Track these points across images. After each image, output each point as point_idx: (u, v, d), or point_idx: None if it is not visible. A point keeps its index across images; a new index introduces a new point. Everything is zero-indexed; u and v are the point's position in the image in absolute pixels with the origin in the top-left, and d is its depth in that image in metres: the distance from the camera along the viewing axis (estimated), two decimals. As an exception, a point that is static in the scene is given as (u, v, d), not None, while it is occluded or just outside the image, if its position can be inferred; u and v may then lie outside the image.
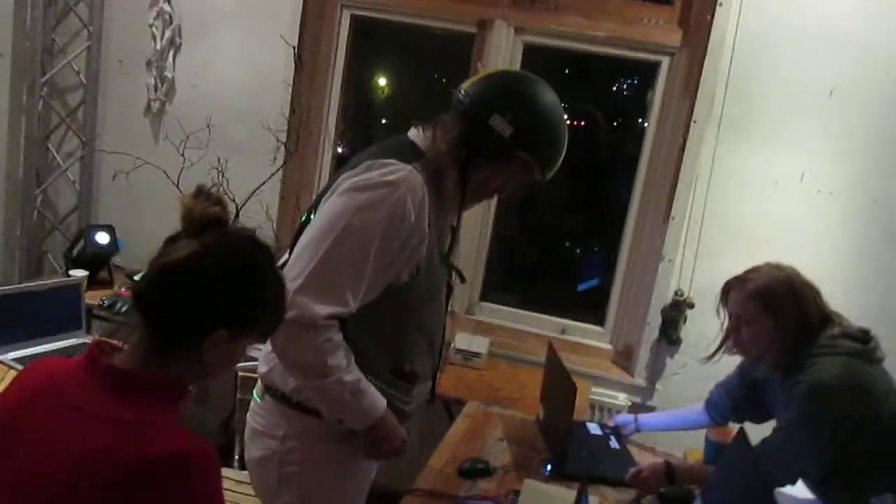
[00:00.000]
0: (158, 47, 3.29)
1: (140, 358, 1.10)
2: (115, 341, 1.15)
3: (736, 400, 2.11)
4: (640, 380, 3.03)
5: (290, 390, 1.57)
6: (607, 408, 3.02)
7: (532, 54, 3.13)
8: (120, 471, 1.00)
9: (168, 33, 3.28)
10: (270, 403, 1.62)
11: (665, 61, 2.97)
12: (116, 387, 1.08)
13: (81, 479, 1.01)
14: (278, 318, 1.21)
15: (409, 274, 1.51)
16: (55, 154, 3.50)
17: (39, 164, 3.46)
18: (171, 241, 1.12)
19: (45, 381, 1.13)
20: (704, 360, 2.01)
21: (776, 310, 1.82)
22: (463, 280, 1.78)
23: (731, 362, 2.09)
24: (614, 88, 3.94)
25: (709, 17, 2.78)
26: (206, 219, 1.12)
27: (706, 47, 2.80)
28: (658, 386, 3.03)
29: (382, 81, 4.27)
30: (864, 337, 1.82)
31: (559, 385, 2.16)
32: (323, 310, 1.40)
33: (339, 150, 3.47)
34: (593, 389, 3.02)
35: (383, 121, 4.66)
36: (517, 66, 3.11)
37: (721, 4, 2.75)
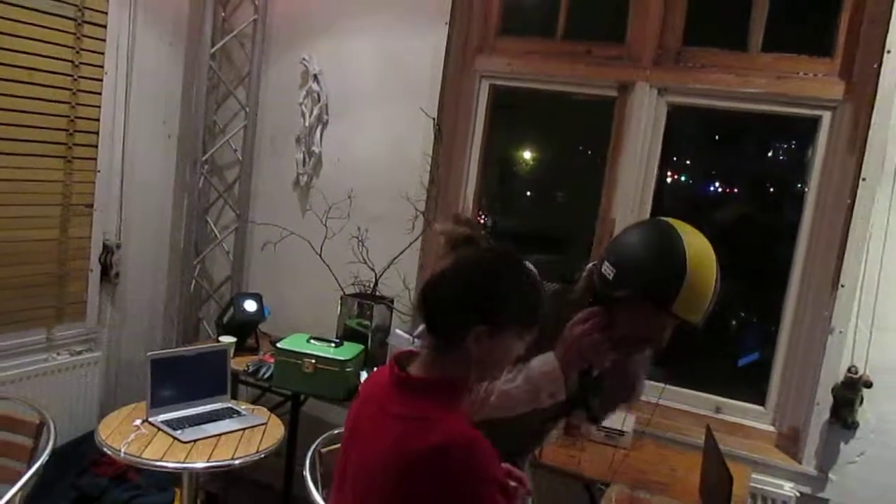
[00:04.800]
0: (307, 124, 3.46)
1: (424, 364, 1.33)
2: (409, 348, 1.41)
3: None
4: (809, 467, 2.70)
5: None
6: (771, 498, 2.70)
7: (678, 120, 3.00)
8: (403, 459, 1.21)
9: (316, 111, 3.44)
10: None
11: (826, 116, 2.74)
12: (407, 389, 1.31)
13: (380, 469, 1.25)
14: (531, 315, 1.33)
15: None
16: (213, 226, 3.71)
17: (199, 236, 3.69)
18: (439, 259, 1.40)
19: (371, 388, 1.42)
20: None
21: None
22: (595, 421, 1.89)
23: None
24: (769, 154, 3.71)
25: (876, 66, 2.55)
26: (459, 238, 1.37)
27: (874, 98, 2.56)
28: (832, 476, 2.68)
29: (527, 155, 4.26)
30: None
31: (715, 475, 1.95)
32: None
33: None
34: (754, 476, 2.71)
35: (528, 193, 4.63)
36: (660, 131, 2.99)
37: (889, 52, 2.52)
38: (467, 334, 1.27)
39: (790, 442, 2.81)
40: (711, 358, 3.89)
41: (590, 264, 1.68)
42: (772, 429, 2.89)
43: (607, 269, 1.56)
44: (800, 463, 2.72)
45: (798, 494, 2.70)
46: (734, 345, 3.94)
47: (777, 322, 2.93)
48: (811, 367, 2.74)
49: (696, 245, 1.52)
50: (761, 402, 2.94)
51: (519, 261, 1.36)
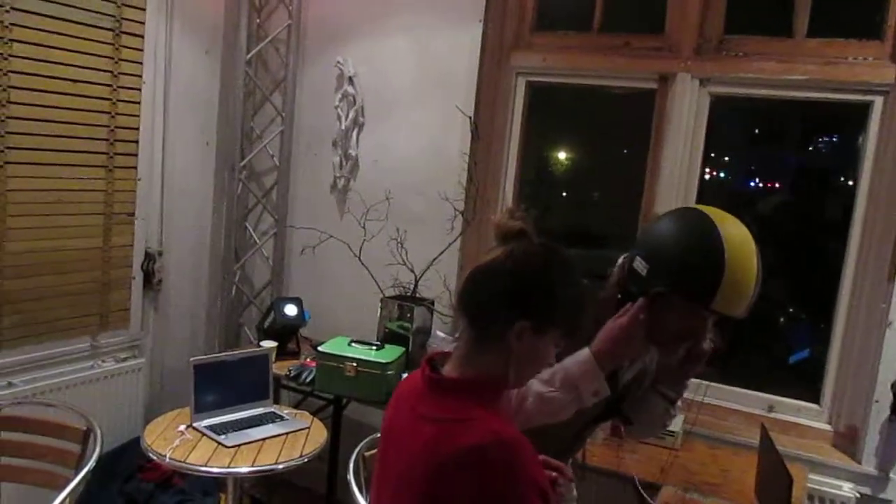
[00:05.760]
0: (343, 127, 3.45)
1: (459, 362, 1.28)
2: (447, 349, 1.36)
3: None
4: (869, 467, 2.60)
5: None
6: (829, 499, 2.61)
7: (716, 115, 2.92)
8: (436, 461, 1.17)
9: (352, 113, 3.43)
10: None
11: (877, 101, 2.64)
12: (438, 391, 1.26)
13: (413, 472, 1.21)
14: (575, 321, 1.30)
15: None
16: (252, 232, 3.73)
17: (238, 241, 3.70)
18: (488, 251, 1.33)
19: (404, 390, 1.37)
20: None
21: None
22: (627, 422, 1.79)
23: None
24: (811, 148, 3.60)
25: (930, 48, 2.46)
26: (510, 231, 1.32)
27: (929, 81, 2.46)
28: (893, 475, 2.57)
29: (562, 155, 4.20)
30: None
31: (772, 475, 1.88)
32: None
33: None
34: (811, 477, 2.62)
35: (566, 192, 4.57)
36: (703, 122, 2.92)
37: (944, 32, 2.42)
38: (510, 328, 1.22)
39: (848, 441, 2.71)
40: (760, 355, 3.78)
41: (621, 258, 1.61)
42: (828, 427, 2.79)
43: (640, 265, 1.48)
44: (859, 463, 2.62)
45: (858, 495, 2.60)
46: (783, 342, 3.83)
47: (828, 317, 2.83)
48: (868, 363, 2.64)
49: (734, 235, 1.42)
50: (815, 400, 2.84)
51: (572, 262, 1.31)
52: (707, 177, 3.17)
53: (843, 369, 2.75)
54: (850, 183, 2.78)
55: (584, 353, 1.50)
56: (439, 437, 1.19)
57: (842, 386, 2.76)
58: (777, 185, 3.83)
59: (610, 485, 2.57)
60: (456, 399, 1.24)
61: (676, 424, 2.69)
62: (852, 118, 2.78)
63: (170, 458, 2.39)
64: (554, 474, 1.33)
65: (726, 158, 3.63)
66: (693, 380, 1.78)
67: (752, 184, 3.92)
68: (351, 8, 3.44)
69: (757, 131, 3.55)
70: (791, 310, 4.02)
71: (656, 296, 1.45)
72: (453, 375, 1.27)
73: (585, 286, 1.33)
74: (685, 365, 1.61)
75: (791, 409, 2.86)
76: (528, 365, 1.28)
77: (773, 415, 2.87)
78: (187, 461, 2.38)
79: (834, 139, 3.42)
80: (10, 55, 2.69)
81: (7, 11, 2.64)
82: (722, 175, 3.73)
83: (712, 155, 3.19)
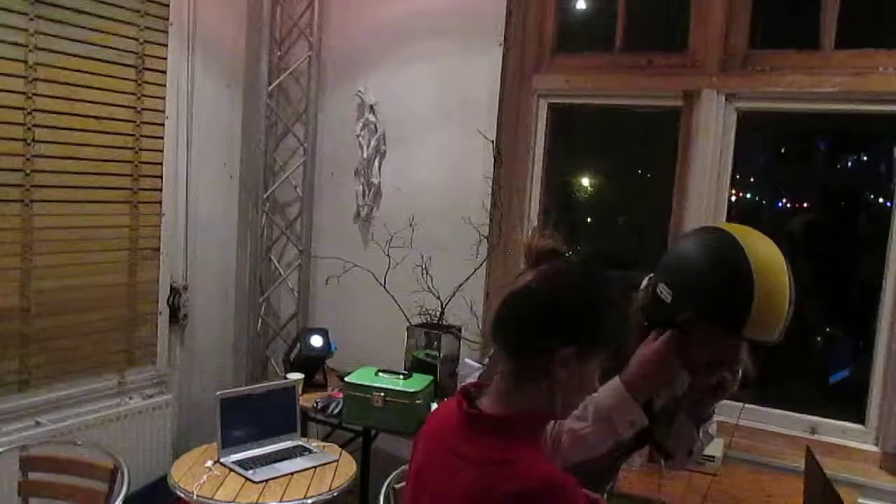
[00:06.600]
0: (365, 156, 3.44)
1: (499, 397, 1.20)
2: (484, 381, 1.27)
3: None
4: (921, 490, 2.49)
5: None
6: (881, 525, 2.50)
7: (741, 134, 2.87)
8: None
9: (373, 142, 3.42)
10: None
11: (911, 111, 2.58)
12: (479, 429, 1.18)
13: None
14: (618, 337, 1.23)
15: None
16: (276, 264, 3.72)
17: (263, 273, 3.69)
18: (519, 275, 1.30)
19: (437, 425, 1.29)
20: None
21: None
22: (667, 457, 1.66)
23: None
24: (838, 165, 3.54)
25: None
26: (542, 250, 1.30)
27: (965, 88, 2.39)
28: (947, 498, 2.47)
29: (586, 178, 4.17)
30: None
31: (821, 499, 1.79)
32: None
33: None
34: (860, 501, 2.52)
35: (588, 220, 4.53)
36: (731, 139, 2.86)
37: (979, 37, 2.36)
38: (554, 357, 1.14)
39: (897, 463, 2.61)
40: (799, 377, 3.68)
41: (644, 281, 1.52)
42: (875, 449, 2.68)
43: (663, 291, 1.39)
44: (910, 485, 2.52)
45: (911, 520, 2.49)
46: (822, 362, 3.73)
47: (867, 336, 2.75)
48: (915, 382, 2.54)
49: (763, 255, 1.33)
50: (860, 421, 2.74)
51: (608, 278, 1.24)
52: (734, 198, 3.11)
53: (889, 388, 2.65)
54: (881, 200, 2.71)
55: (615, 383, 1.42)
56: (485, 481, 1.12)
57: (888, 405, 2.65)
58: (805, 205, 3.76)
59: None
60: (498, 438, 1.16)
61: (717, 449, 2.60)
62: (882, 132, 2.72)
63: (197, 496, 2.35)
64: None
65: (752, 179, 3.57)
66: (731, 402, 1.73)
67: (780, 204, 3.85)
68: (370, 37, 3.45)
69: (783, 150, 3.51)
70: (828, 329, 3.91)
71: (683, 323, 1.37)
72: (494, 412, 1.19)
73: (624, 303, 1.27)
74: (713, 391, 1.53)
75: (835, 431, 2.76)
76: (575, 393, 1.21)
77: (816, 437, 2.77)
78: (215, 498, 2.34)
79: (864, 157, 3.36)
80: (36, 94, 2.72)
81: (31, 51, 2.68)
82: (748, 196, 3.67)
83: (738, 177, 3.13)
